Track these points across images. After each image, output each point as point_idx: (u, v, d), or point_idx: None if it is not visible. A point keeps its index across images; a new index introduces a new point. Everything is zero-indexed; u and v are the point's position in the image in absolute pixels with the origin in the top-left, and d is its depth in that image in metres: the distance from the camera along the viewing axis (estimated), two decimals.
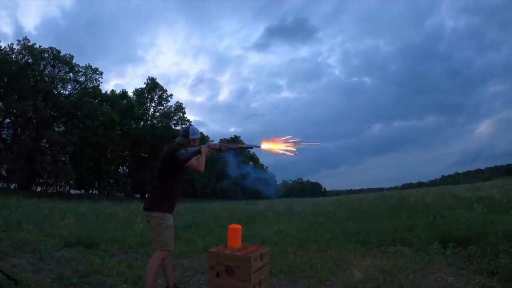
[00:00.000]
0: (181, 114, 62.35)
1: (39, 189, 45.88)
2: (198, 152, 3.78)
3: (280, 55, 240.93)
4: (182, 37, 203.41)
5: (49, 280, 4.30)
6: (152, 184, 3.85)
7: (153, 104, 62.00)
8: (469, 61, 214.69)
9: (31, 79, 42.40)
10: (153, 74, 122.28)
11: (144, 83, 62.15)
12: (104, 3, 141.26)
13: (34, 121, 43.40)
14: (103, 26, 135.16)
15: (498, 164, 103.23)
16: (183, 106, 63.38)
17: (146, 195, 53.63)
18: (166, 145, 4.02)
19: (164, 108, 62.26)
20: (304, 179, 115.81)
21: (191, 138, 3.87)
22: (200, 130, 4.10)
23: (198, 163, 3.69)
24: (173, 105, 62.33)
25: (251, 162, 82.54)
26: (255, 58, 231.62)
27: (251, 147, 4.29)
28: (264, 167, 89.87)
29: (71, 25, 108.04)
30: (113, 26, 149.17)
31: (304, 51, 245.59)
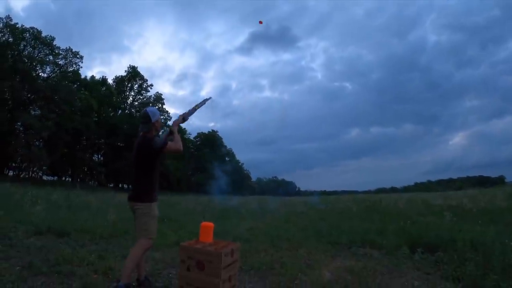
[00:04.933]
0: (160, 105, 61.78)
1: (11, 173, 44.70)
2: (170, 133, 3.80)
3: (262, 59, 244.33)
4: (170, 31, 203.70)
5: (18, 267, 4.23)
6: (133, 175, 3.78)
7: (132, 93, 61.39)
8: (448, 75, 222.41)
9: (10, 59, 41.17)
10: (138, 65, 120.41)
11: (125, 71, 61.22)
12: None
13: (9, 102, 42.17)
14: (92, 13, 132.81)
15: (470, 175, 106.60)
16: (163, 97, 63.01)
17: (124, 186, 52.87)
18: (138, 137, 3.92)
19: (143, 98, 61.65)
20: (279, 177, 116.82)
21: (154, 121, 3.76)
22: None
23: (175, 143, 3.71)
24: (153, 96, 61.87)
25: (227, 158, 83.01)
26: (239, 59, 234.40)
27: (204, 103, 4.22)
28: (240, 163, 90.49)
29: (61, 10, 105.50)
30: (102, 14, 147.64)
31: (287, 55, 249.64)
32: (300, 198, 39.24)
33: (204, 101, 4.25)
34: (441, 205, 13.92)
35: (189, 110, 4.08)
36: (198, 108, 4.14)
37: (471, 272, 4.45)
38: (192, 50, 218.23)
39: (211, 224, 3.49)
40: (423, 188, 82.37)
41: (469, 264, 4.67)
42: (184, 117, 4.01)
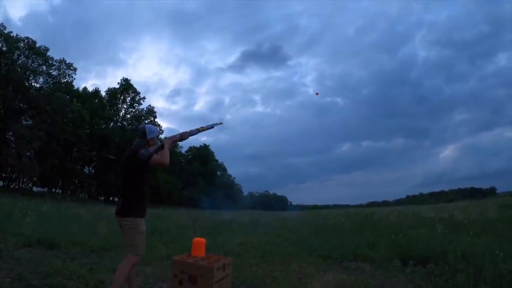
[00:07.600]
0: (152, 118, 61.72)
1: (0, 183, 44.13)
2: (161, 147, 3.70)
3: (254, 76, 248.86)
4: (166, 47, 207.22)
5: (8, 280, 4.21)
6: (121, 188, 3.73)
7: (124, 106, 61.16)
8: (438, 89, 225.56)
9: (3, 68, 40.96)
10: (133, 80, 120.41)
11: (118, 83, 61.16)
12: (93, 3, 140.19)
13: (1, 111, 41.86)
14: (89, 26, 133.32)
15: (462, 187, 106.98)
16: (155, 110, 63.13)
17: (115, 199, 52.44)
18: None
19: (135, 111, 61.59)
20: (271, 192, 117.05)
21: (149, 138, 3.77)
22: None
23: (162, 157, 3.62)
24: (145, 109, 61.86)
25: (218, 172, 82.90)
26: (232, 76, 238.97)
27: (211, 127, 4.21)
28: (231, 178, 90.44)
29: (59, 22, 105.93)
30: (99, 27, 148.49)
31: (278, 73, 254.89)
32: (289, 212, 39.47)
33: (212, 125, 4.23)
34: (433, 218, 13.90)
35: (191, 130, 4.01)
36: (204, 131, 4.10)
37: (463, 284, 4.47)
38: (186, 66, 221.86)
39: (203, 239, 3.51)
40: (414, 201, 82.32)
41: (460, 276, 4.69)
42: (182, 136, 3.96)
